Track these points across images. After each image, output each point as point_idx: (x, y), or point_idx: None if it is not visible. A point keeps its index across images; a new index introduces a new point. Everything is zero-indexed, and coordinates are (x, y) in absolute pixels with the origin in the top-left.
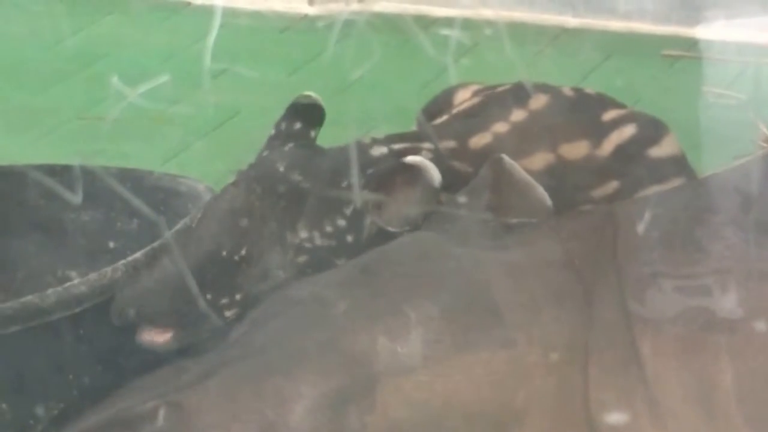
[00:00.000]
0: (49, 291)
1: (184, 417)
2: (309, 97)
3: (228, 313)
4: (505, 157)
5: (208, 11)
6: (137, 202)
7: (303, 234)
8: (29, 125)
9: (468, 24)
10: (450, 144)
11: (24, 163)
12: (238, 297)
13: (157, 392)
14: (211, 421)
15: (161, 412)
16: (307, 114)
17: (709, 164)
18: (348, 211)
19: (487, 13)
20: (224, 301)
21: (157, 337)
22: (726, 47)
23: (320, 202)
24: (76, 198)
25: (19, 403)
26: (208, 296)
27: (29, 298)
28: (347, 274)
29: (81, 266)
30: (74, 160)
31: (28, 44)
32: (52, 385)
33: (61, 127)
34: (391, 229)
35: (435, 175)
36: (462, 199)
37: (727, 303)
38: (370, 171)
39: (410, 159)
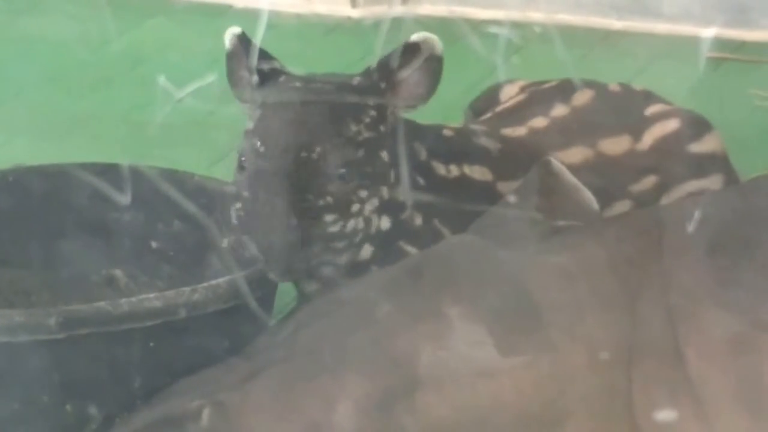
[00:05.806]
0: (123, 300)
1: (228, 416)
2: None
3: None
4: (554, 160)
5: (250, 14)
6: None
7: (353, 128)
8: (75, 129)
9: (512, 26)
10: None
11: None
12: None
13: (203, 392)
14: (255, 421)
15: (206, 412)
16: None
17: (755, 166)
18: (372, 103)
19: (532, 15)
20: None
21: None
22: None
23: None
24: (125, 198)
25: (79, 406)
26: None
27: (102, 304)
28: (393, 277)
29: (125, 266)
30: (120, 161)
31: (73, 48)
32: (114, 391)
33: (108, 131)
34: (407, 106)
35: (437, 45)
36: (509, 201)
37: None
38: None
39: (414, 36)
